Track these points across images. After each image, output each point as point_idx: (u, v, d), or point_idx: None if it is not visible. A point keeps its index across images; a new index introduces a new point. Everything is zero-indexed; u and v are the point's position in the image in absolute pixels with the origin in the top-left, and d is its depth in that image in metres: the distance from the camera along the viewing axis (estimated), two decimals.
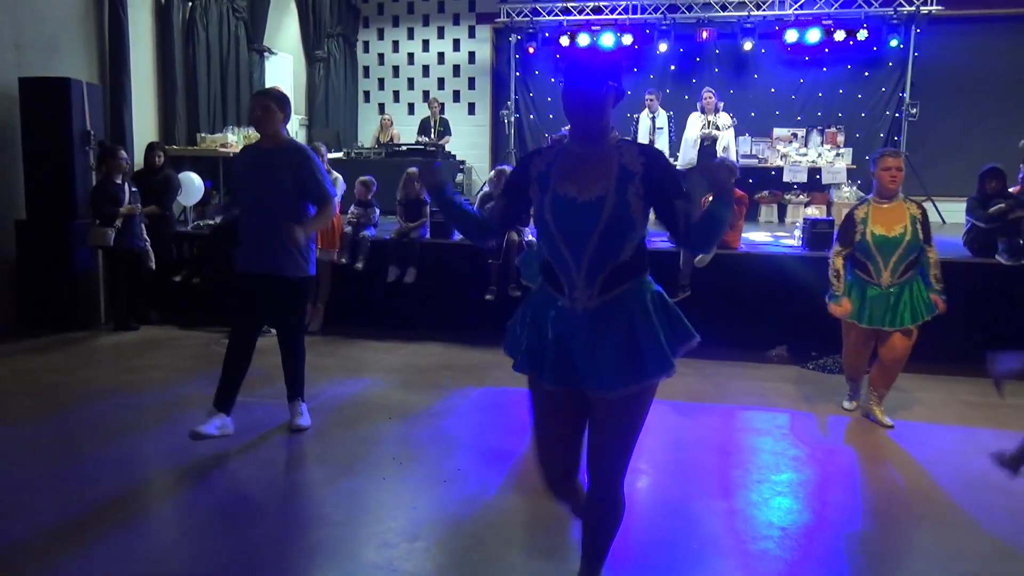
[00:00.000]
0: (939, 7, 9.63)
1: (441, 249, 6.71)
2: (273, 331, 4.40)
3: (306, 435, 4.17)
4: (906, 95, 10.04)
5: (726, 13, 10.25)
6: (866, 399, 4.56)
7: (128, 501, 3.36)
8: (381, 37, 12.30)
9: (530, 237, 6.23)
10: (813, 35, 9.93)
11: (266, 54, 9.96)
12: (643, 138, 9.37)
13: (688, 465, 3.86)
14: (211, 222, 7.32)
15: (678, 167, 9.34)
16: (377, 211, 6.90)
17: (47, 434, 4.19)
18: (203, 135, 8.51)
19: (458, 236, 6.84)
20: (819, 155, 10.24)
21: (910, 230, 4.19)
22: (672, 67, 10.97)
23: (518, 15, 10.84)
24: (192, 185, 7.49)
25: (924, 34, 9.94)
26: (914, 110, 9.83)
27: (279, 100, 4.00)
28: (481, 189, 10.65)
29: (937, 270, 4.28)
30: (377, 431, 4.24)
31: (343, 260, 6.57)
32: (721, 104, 9.32)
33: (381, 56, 12.35)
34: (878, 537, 3.15)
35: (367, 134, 11.77)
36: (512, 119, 11.23)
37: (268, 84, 9.82)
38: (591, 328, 2.20)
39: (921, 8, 9.67)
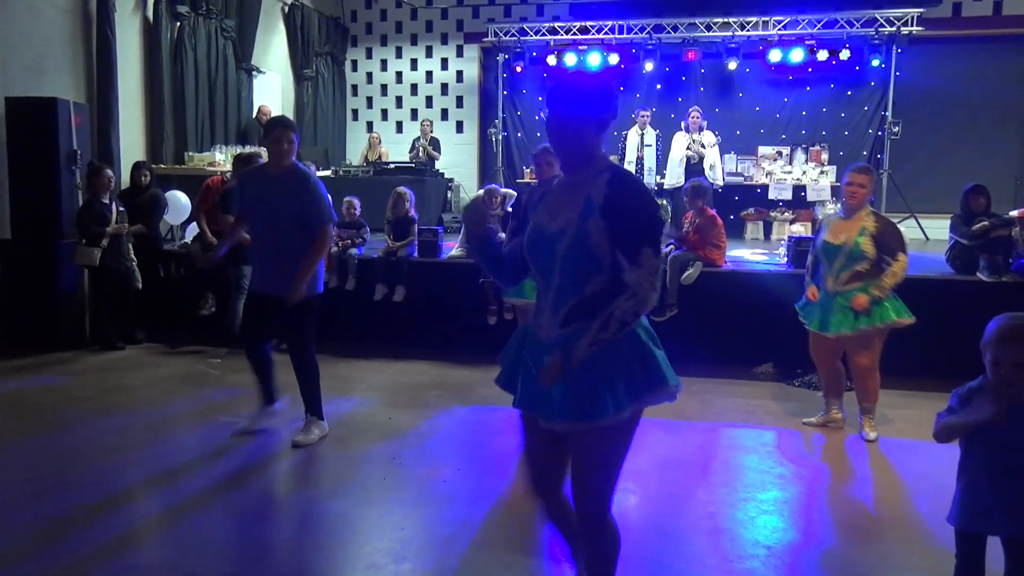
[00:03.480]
0: (919, 27, 9.81)
1: (429, 268, 6.72)
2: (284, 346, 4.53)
3: (293, 455, 4.16)
4: (888, 114, 10.20)
5: (711, 33, 10.40)
6: (859, 417, 4.60)
7: (112, 524, 3.33)
8: (369, 56, 12.39)
9: None
10: (796, 55, 10.09)
11: (254, 73, 10.01)
12: (631, 155, 9.46)
13: (674, 483, 3.87)
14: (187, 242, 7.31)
15: (665, 187, 9.42)
16: (367, 229, 6.92)
17: (31, 455, 4.14)
18: (191, 154, 8.52)
19: (445, 255, 6.86)
20: (804, 173, 10.37)
21: (854, 240, 4.29)
22: (658, 86, 11.10)
23: (505, 35, 10.95)
24: (179, 204, 7.49)
25: (905, 54, 10.11)
26: (896, 128, 9.98)
27: (297, 131, 4.15)
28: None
29: (891, 279, 4.25)
30: (365, 451, 4.23)
31: (332, 283, 6.56)
32: (705, 123, 9.42)
33: (369, 75, 12.43)
34: (863, 557, 3.17)
35: (355, 152, 11.82)
36: (499, 137, 11.31)
37: (256, 103, 9.87)
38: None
39: (902, 29, 9.85)
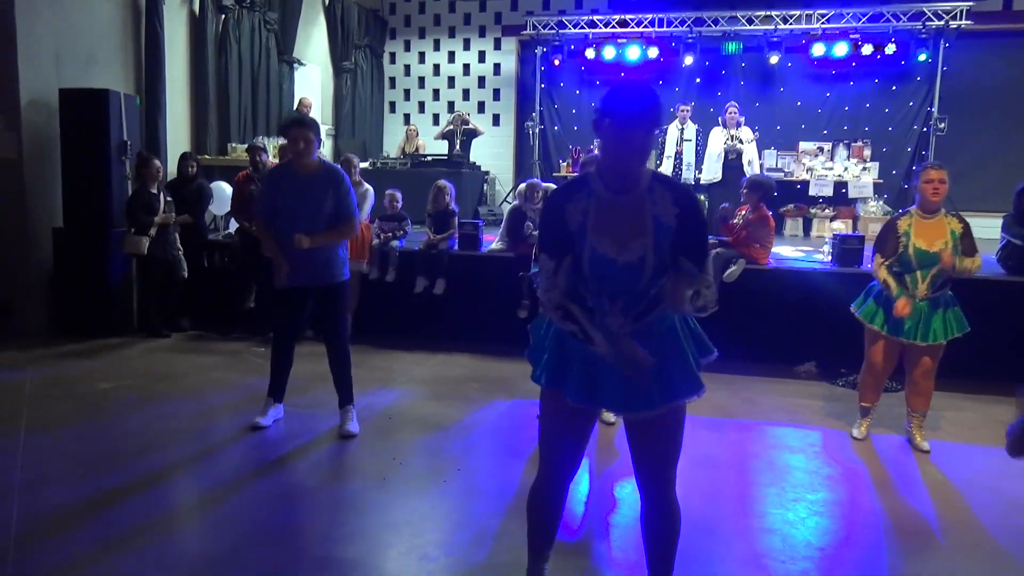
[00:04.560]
0: (968, 21, 9.58)
1: (469, 260, 6.75)
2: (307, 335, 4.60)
3: (339, 447, 4.21)
4: (934, 109, 9.99)
5: (752, 27, 10.25)
6: (907, 423, 4.51)
7: (165, 512, 3.41)
8: (407, 48, 12.42)
9: None
10: (840, 49, 9.91)
11: (295, 65, 10.10)
12: (670, 149, 9.41)
13: (721, 482, 3.86)
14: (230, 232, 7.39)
15: (702, 182, 9.35)
16: (409, 222, 6.96)
17: (79, 438, 4.25)
18: (234, 145, 8.63)
19: (485, 248, 6.88)
20: (845, 169, 10.20)
21: (950, 244, 4.18)
22: (698, 80, 10.97)
23: (544, 27, 10.91)
24: (223, 194, 7.60)
25: (953, 48, 9.88)
26: (942, 125, 9.77)
27: (316, 129, 4.13)
28: (504, 199, 10.72)
29: (972, 265, 4.19)
30: (409, 443, 4.27)
31: (372, 275, 6.63)
32: (743, 119, 9.31)
33: (407, 67, 12.46)
34: (920, 562, 3.13)
35: (393, 144, 11.86)
36: (537, 130, 11.30)
37: (297, 95, 9.96)
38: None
39: (950, 23, 9.63)
